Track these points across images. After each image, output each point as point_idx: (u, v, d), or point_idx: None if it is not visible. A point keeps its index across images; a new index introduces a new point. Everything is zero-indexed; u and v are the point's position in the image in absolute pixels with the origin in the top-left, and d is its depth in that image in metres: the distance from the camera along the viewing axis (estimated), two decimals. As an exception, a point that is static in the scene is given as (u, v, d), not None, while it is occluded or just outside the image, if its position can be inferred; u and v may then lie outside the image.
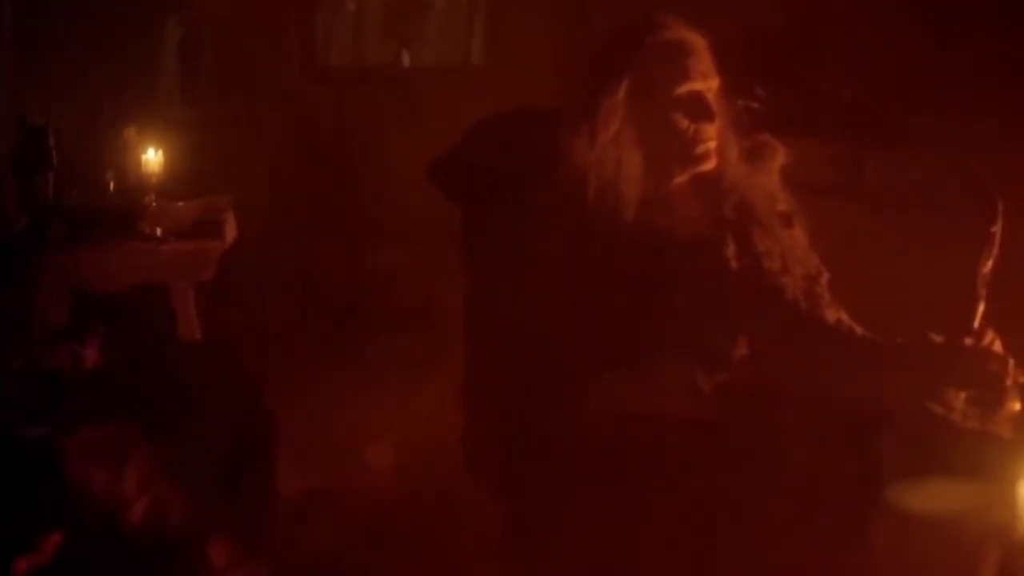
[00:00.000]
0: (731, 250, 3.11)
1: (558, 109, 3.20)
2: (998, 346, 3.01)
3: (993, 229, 3.03)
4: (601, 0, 6.08)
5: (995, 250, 3.03)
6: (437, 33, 6.96)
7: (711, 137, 3.10)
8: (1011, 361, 2.99)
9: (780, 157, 3.27)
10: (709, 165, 3.13)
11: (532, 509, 3.05)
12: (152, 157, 4.65)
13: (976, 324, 3.02)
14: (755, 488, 2.79)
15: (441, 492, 4.21)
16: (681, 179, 3.14)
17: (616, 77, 3.08)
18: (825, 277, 3.20)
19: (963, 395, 3.00)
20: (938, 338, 3.05)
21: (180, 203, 4.66)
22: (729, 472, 2.81)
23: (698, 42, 3.10)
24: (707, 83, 3.09)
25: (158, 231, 4.51)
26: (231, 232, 4.66)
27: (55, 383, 3.24)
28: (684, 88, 3.07)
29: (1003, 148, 4.94)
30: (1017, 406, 2.96)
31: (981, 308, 3.03)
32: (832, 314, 3.16)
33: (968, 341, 3.01)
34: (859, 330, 3.17)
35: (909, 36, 6.01)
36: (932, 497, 2.68)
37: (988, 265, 3.02)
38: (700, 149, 3.10)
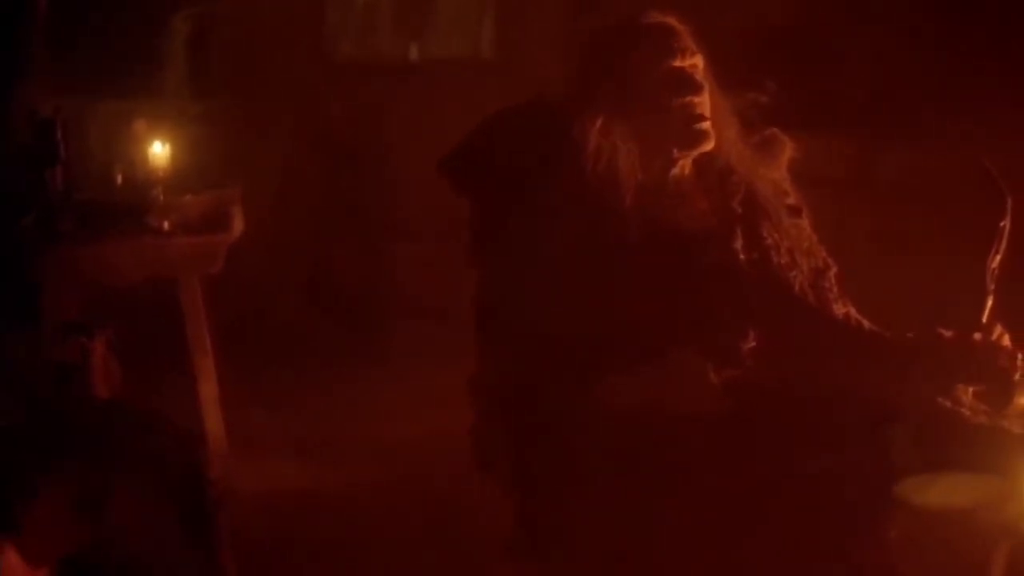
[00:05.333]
0: (739, 244, 3.12)
1: (572, 102, 3.21)
2: (1007, 341, 3.01)
3: (1002, 224, 3.02)
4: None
5: (1004, 245, 3.02)
6: (447, 26, 6.96)
7: (704, 113, 3.11)
8: (1020, 355, 2.99)
9: (788, 151, 3.29)
10: (708, 145, 3.13)
11: (543, 505, 3.04)
12: (160, 151, 4.64)
13: (985, 319, 3.01)
14: (766, 482, 2.78)
15: (455, 488, 4.21)
16: (685, 162, 3.15)
17: (595, 69, 3.15)
18: (833, 271, 3.20)
19: (972, 390, 3.00)
20: (947, 333, 3.05)
21: (188, 196, 4.66)
22: (740, 467, 2.81)
23: (676, 25, 3.14)
24: (686, 61, 3.12)
25: (166, 225, 4.52)
26: (239, 225, 4.66)
27: (62, 375, 3.25)
28: (664, 65, 3.10)
29: (1016, 142, 4.93)
30: (1026, 400, 2.96)
31: (990, 303, 3.02)
32: (840, 308, 3.16)
33: (977, 336, 3.00)
34: (867, 324, 3.17)
35: (922, 32, 6.01)
36: (942, 492, 2.68)
37: (997, 260, 3.01)
38: (696, 127, 3.11)
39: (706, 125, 3.12)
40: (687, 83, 3.10)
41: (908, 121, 5.89)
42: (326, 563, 4.21)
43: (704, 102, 3.11)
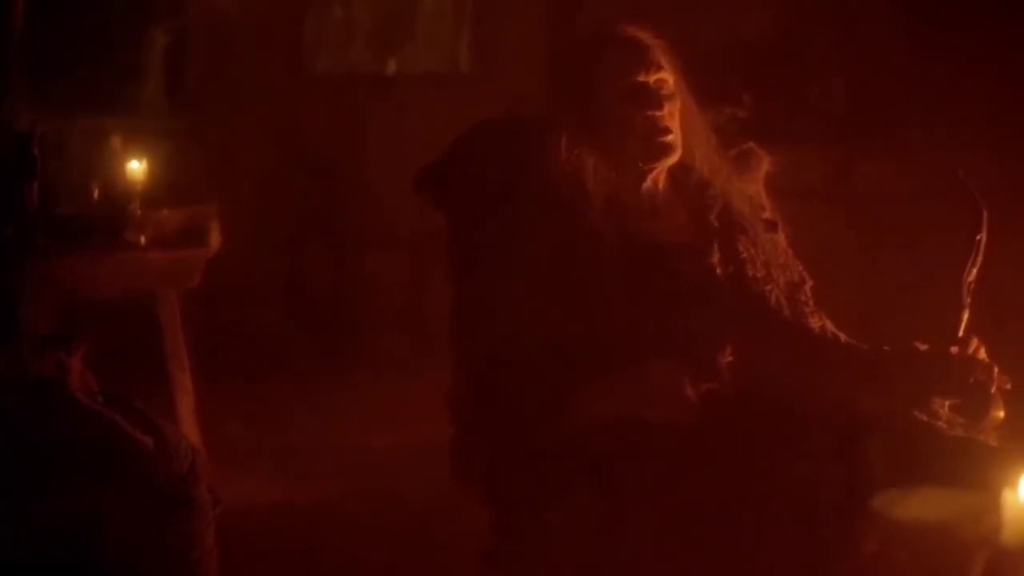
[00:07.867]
0: (716, 257, 3.12)
1: (544, 115, 3.22)
2: (983, 354, 3.01)
3: (978, 237, 3.03)
4: (588, 8, 6.10)
5: (980, 258, 3.02)
6: (424, 40, 6.97)
7: (668, 127, 3.10)
8: (996, 369, 2.99)
9: (765, 165, 3.29)
10: (672, 157, 3.12)
11: (518, 516, 3.04)
12: (137, 166, 4.64)
13: (961, 332, 3.02)
14: (742, 496, 2.78)
15: (433, 498, 4.21)
16: (659, 176, 3.14)
17: (562, 82, 3.16)
18: (809, 284, 3.20)
19: (948, 403, 3.00)
20: (923, 346, 3.05)
21: (165, 211, 4.66)
22: (715, 480, 2.80)
23: (646, 39, 3.13)
24: (650, 76, 3.09)
25: (143, 239, 4.51)
26: (216, 240, 4.66)
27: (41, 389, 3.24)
28: (629, 80, 3.08)
29: (992, 155, 4.96)
30: (1002, 414, 2.96)
31: (966, 316, 3.02)
32: (816, 321, 3.17)
33: (953, 349, 3.01)
34: (843, 337, 3.17)
35: (898, 45, 6.03)
36: (918, 505, 2.68)
37: (973, 273, 3.02)
38: (658, 139, 3.09)
39: (670, 138, 3.09)
40: (650, 98, 3.07)
41: (885, 133, 5.91)
42: (306, 574, 4.21)
43: (667, 116, 3.09)
